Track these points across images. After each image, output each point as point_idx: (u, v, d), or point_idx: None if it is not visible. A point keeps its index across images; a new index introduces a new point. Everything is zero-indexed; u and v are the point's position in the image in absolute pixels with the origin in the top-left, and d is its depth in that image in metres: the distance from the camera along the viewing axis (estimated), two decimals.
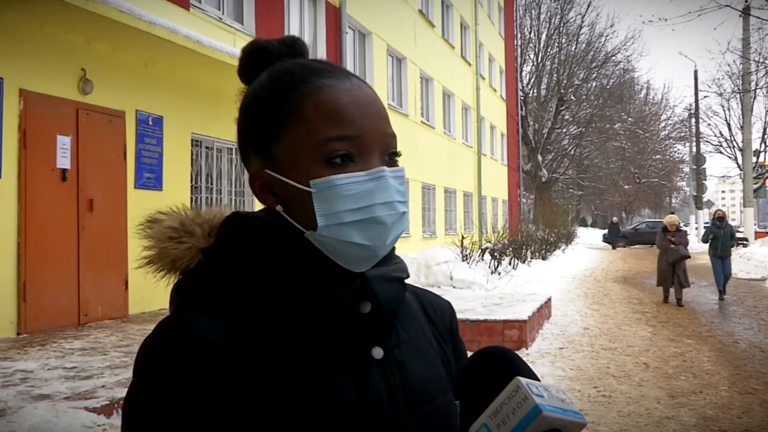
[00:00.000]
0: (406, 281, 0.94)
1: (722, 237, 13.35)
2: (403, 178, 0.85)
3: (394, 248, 0.92)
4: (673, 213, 16.70)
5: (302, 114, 0.82)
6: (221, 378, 0.77)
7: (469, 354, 0.98)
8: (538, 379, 0.75)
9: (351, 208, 0.80)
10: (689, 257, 12.44)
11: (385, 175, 0.82)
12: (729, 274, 13.42)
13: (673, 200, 69.12)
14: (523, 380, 0.72)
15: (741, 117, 31.27)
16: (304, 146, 0.82)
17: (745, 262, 21.05)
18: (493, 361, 0.77)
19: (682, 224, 15.71)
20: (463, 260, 14.47)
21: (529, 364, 0.89)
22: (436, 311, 1.00)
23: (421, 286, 1.04)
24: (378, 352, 0.86)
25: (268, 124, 0.85)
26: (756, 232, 29.77)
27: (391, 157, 0.85)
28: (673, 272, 12.36)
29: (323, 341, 0.83)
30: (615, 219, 40.30)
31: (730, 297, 13.41)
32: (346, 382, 0.82)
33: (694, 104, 37.10)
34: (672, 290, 12.48)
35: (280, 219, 0.85)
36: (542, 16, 43.06)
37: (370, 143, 0.83)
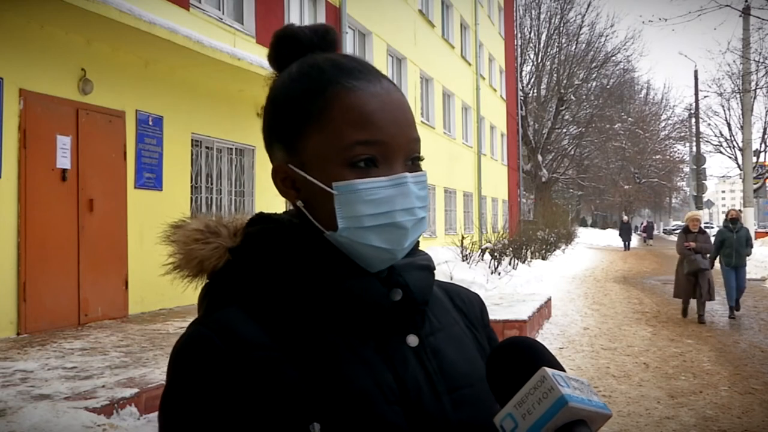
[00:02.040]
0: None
1: (735, 242, 11.13)
2: (424, 182, 0.86)
3: (418, 243, 0.93)
4: (698, 209, 14.38)
5: (330, 115, 0.83)
6: (258, 372, 0.77)
7: None
8: (564, 370, 0.75)
9: (371, 213, 0.82)
10: (708, 270, 10.43)
11: (407, 181, 0.83)
12: (743, 286, 11.24)
13: (673, 200, 69.11)
14: (549, 370, 0.73)
15: (741, 117, 31.22)
16: (330, 148, 0.83)
17: None
18: (519, 351, 0.77)
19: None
20: (463, 260, 14.49)
21: None
22: (465, 303, 1.01)
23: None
24: (413, 340, 0.87)
25: (296, 120, 0.85)
26: (756, 232, 29.74)
27: (413, 161, 0.86)
28: (695, 283, 10.39)
29: (357, 331, 0.83)
30: (626, 218, 40.31)
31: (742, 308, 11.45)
32: (383, 370, 0.82)
33: (694, 104, 37.09)
34: (693, 304, 10.58)
35: (302, 217, 0.86)
36: (542, 16, 43.02)
37: (395, 149, 0.84)
